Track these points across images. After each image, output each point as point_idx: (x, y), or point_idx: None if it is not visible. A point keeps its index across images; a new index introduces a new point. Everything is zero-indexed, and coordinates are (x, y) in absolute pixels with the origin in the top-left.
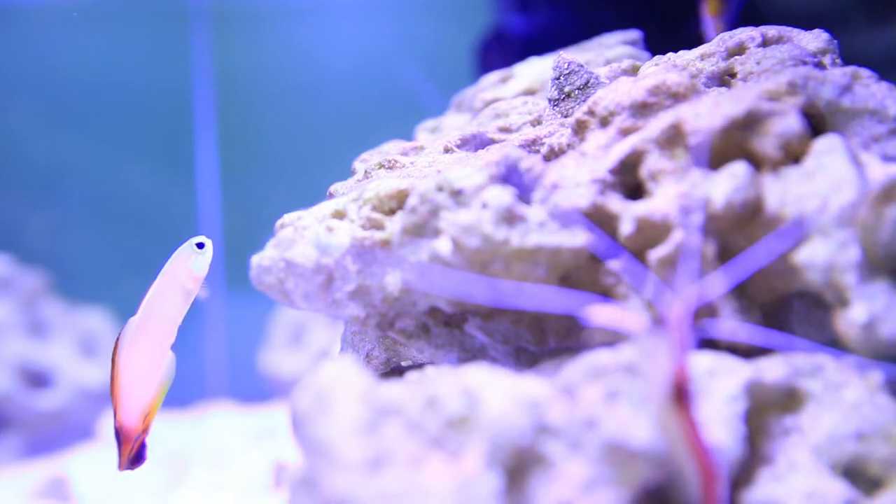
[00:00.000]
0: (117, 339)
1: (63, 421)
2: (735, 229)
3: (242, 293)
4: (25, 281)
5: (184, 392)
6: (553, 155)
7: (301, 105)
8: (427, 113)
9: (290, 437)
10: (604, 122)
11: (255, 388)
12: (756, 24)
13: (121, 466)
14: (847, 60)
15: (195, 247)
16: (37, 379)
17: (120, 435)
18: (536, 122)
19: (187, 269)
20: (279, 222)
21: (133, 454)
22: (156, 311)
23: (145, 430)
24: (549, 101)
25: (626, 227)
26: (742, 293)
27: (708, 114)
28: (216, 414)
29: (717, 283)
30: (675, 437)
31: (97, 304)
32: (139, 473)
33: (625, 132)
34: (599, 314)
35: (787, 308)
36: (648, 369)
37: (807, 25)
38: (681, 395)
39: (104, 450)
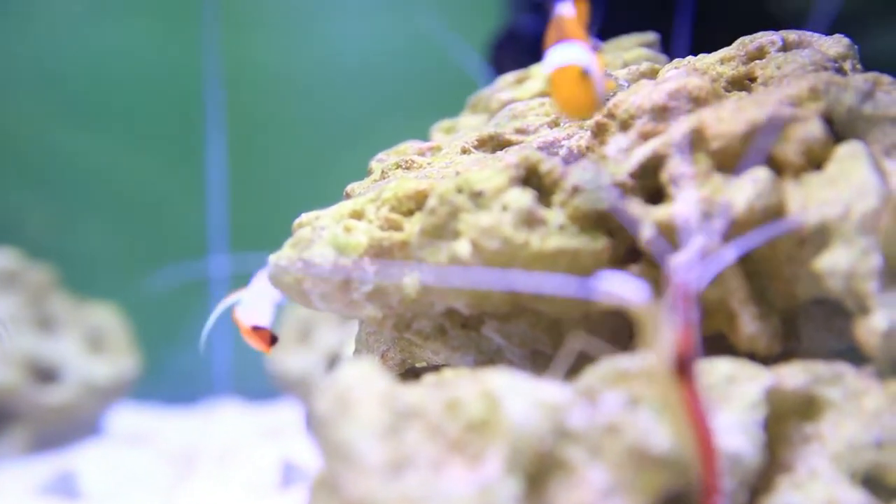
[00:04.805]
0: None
1: (70, 416)
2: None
3: None
4: (33, 275)
5: (191, 389)
6: (572, 157)
7: (311, 101)
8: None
9: (298, 435)
10: (624, 126)
11: (262, 386)
12: (774, 28)
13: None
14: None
15: None
16: (44, 374)
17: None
18: (554, 124)
19: None
20: (297, 222)
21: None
22: None
23: None
24: None
25: (646, 232)
26: (761, 299)
27: (730, 118)
28: (223, 411)
29: (722, 257)
30: (676, 413)
31: (105, 299)
32: (146, 469)
33: (645, 136)
34: (606, 281)
35: (805, 314)
36: (651, 342)
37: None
38: (683, 366)
39: (111, 445)
